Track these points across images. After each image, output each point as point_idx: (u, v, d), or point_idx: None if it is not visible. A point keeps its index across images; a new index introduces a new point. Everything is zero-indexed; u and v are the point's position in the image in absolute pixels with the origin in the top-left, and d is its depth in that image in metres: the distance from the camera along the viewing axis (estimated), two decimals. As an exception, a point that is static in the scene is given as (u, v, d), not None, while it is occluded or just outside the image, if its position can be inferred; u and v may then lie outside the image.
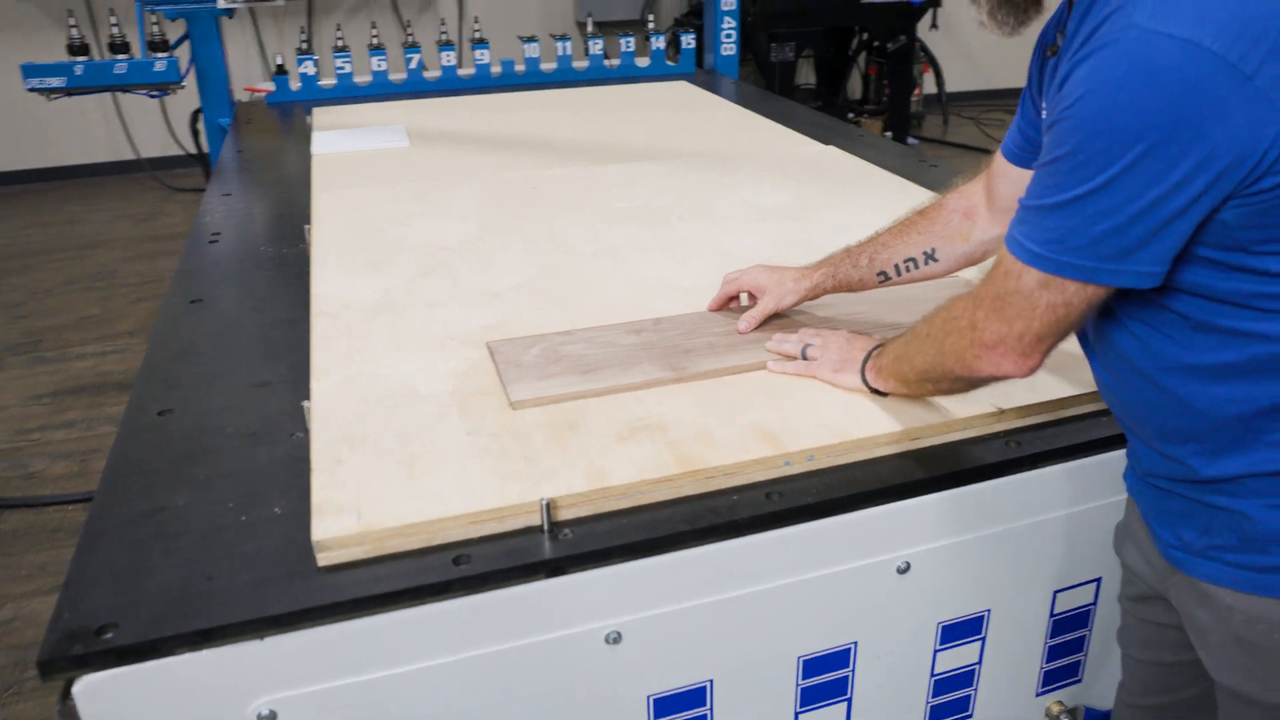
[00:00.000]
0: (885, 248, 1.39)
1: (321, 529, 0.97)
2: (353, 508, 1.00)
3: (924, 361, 1.10)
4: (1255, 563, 0.92)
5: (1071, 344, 1.02)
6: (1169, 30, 0.77)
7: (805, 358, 1.29)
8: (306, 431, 1.17)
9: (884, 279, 1.38)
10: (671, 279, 1.61)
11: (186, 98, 3.53)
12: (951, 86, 6.96)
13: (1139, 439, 1.01)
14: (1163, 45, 0.77)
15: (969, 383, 1.07)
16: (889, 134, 5.95)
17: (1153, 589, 1.09)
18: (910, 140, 6.07)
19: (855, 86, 6.60)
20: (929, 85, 6.73)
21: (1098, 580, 1.29)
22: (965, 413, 1.19)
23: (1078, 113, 0.82)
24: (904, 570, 1.13)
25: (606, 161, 2.33)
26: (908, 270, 1.38)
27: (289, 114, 3.08)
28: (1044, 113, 1.05)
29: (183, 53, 3.04)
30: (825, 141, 2.49)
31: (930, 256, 1.36)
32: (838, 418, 1.17)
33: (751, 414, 1.18)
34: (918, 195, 2.03)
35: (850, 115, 6.20)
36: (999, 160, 1.28)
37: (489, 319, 1.46)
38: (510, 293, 1.57)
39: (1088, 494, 1.22)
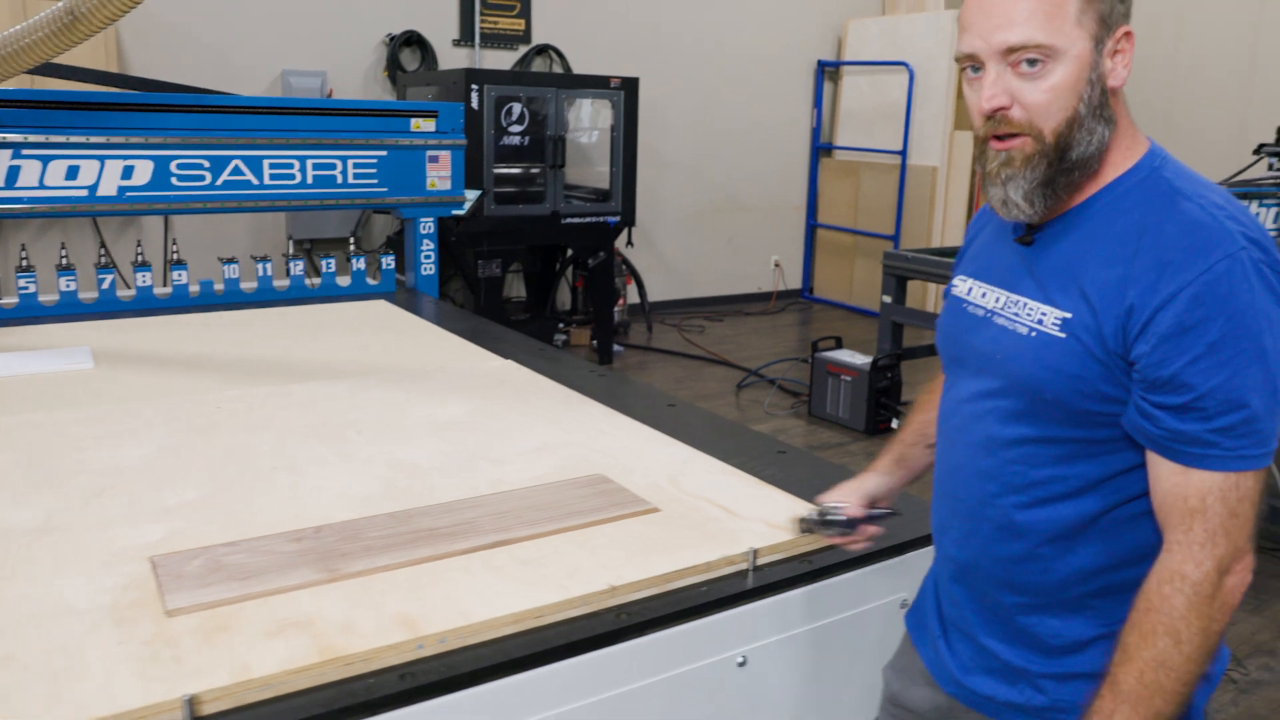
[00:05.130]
0: (906, 451, 1.55)
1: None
2: (-9, 723, 1.05)
3: (1185, 649, 1.09)
4: None
5: (681, 525, 1.24)
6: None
7: None
8: (-49, 656, 1.20)
9: (905, 477, 1.57)
10: (345, 489, 1.75)
11: None
12: (653, 296, 7.64)
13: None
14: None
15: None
16: (595, 341, 6.43)
17: None
18: (616, 347, 6.57)
19: (565, 297, 7.10)
20: (633, 295, 7.35)
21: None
22: (582, 591, 1.39)
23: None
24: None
25: (296, 380, 2.47)
26: (917, 460, 1.55)
27: (-33, 337, 3.01)
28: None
29: None
30: (508, 355, 2.76)
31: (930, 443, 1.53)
32: (472, 602, 1.34)
33: (395, 604, 1.33)
34: (583, 404, 2.30)
35: (560, 325, 6.65)
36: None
37: (158, 535, 1.54)
38: (183, 509, 1.65)
39: (693, 657, 1.43)
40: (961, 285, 1.36)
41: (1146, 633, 1.10)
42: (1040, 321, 1.18)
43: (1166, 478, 1.10)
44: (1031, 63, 1.12)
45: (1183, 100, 7.36)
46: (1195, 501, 1.08)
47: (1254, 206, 3.52)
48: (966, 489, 1.29)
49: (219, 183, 3.37)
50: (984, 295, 1.30)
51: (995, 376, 1.24)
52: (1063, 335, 1.15)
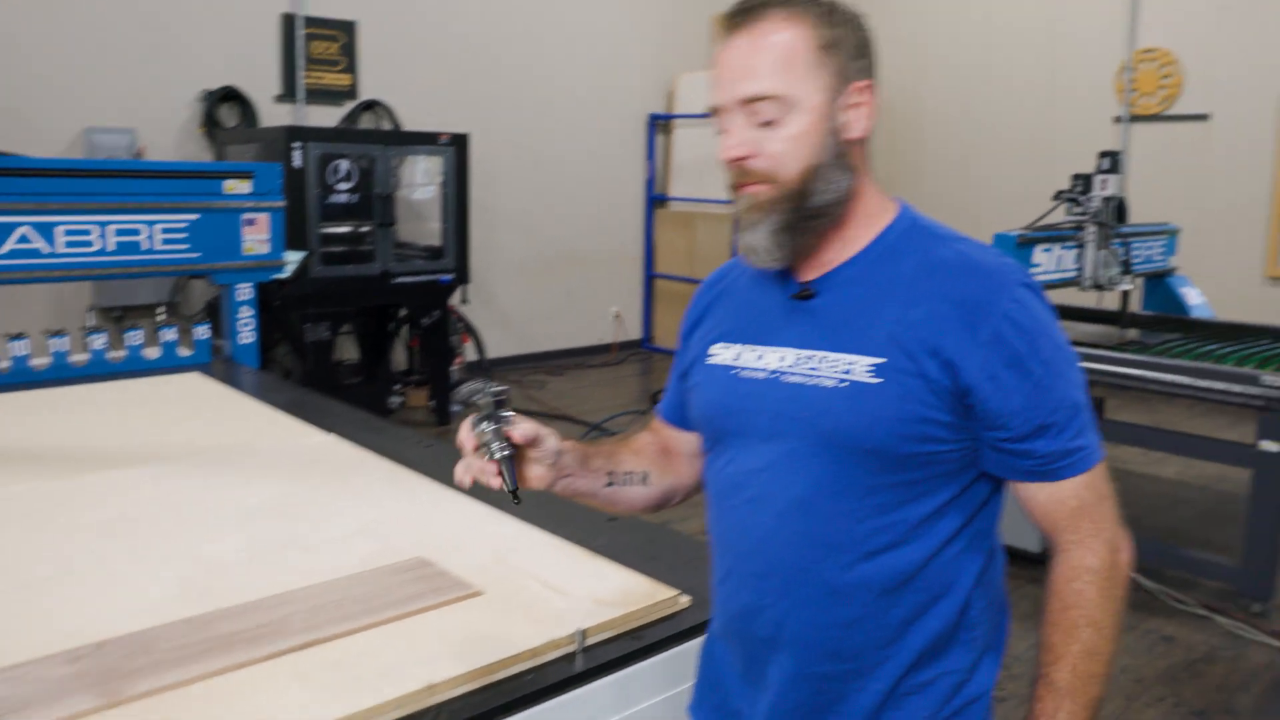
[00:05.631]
0: (610, 456, 1.40)
1: None
2: None
3: (1106, 632, 1.17)
4: None
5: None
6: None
7: None
8: None
9: (610, 481, 1.39)
10: (136, 595, 1.60)
11: None
12: (493, 352, 7.52)
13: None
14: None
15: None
16: (433, 401, 6.26)
17: None
18: (454, 407, 6.42)
19: (401, 358, 6.92)
20: (471, 353, 7.22)
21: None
22: (397, 692, 1.29)
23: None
24: None
25: (89, 470, 2.27)
26: (627, 482, 1.42)
27: None
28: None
29: None
30: (331, 428, 2.62)
31: (645, 479, 1.43)
32: (275, 715, 1.23)
33: (184, 729, 1.20)
34: (408, 479, 2.20)
35: (396, 386, 6.46)
36: (661, 424, 1.47)
37: (-93, 665, 1.36)
38: (-60, 631, 1.47)
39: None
40: (724, 353, 1.32)
41: (1069, 629, 1.17)
42: (849, 371, 1.18)
43: (1042, 495, 1.19)
44: (769, 114, 1.17)
45: (981, 153, 7.86)
46: (1074, 503, 1.17)
47: (1056, 250, 3.75)
48: (780, 561, 1.24)
49: (2, 252, 3.11)
50: (760, 357, 1.27)
51: (798, 436, 1.21)
52: (879, 381, 1.16)
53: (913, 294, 1.18)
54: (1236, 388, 3.21)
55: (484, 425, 1.25)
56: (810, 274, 1.26)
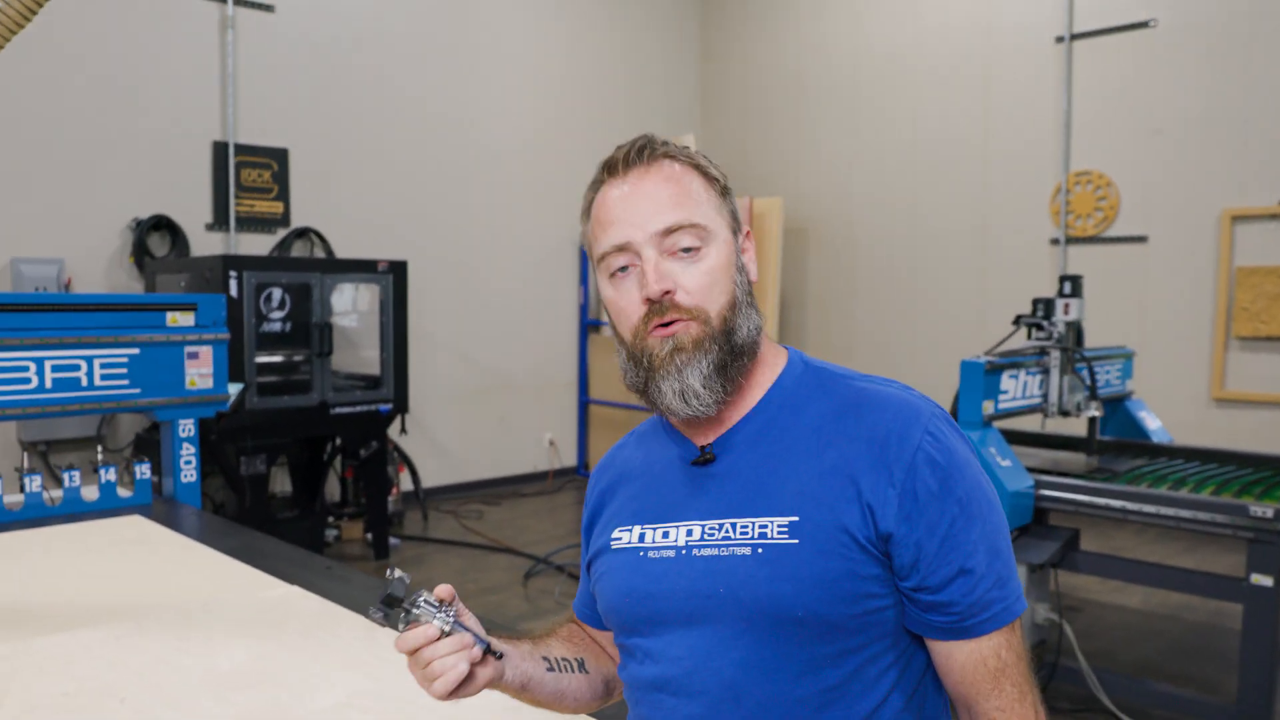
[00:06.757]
0: (540, 643, 1.28)
1: None
2: None
3: None
4: None
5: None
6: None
7: None
8: None
9: (550, 666, 1.25)
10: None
11: None
12: (428, 482, 7.35)
13: None
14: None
15: None
16: (369, 534, 6.06)
17: None
18: (393, 540, 6.22)
19: (335, 489, 6.70)
20: (406, 483, 7.04)
21: None
22: None
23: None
24: None
25: (37, 632, 2.10)
26: (565, 668, 1.27)
27: None
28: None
29: None
30: (290, 577, 2.49)
31: (582, 665, 1.30)
32: None
33: None
34: (387, 639, 2.08)
35: (330, 519, 6.25)
36: (579, 625, 1.37)
37: None
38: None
39: None
40: (628, 536, 1.20)
41: None
42: (763, 535, 1.08)
43: (960, 654, 1.07)
44: (688, 249, 1.12)
45: (916, 277, 8.00)
46: (994, 662, 1.06)
47: (1022, 375, 3.74)
48: None
49: (-67, 395, 2.94)
50: (667, 535, 1.15)
51: (719, 616, 1.09)
52: (795, 541, 1.06)
53: (820, 441, 1.10)
54: (1223, 518, 3.14)
55: (413, 612, 1.10)
56: (706, 436, 1.18)
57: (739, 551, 1.08)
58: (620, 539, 1.20)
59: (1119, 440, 4.37)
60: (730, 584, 1.08)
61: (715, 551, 1.10)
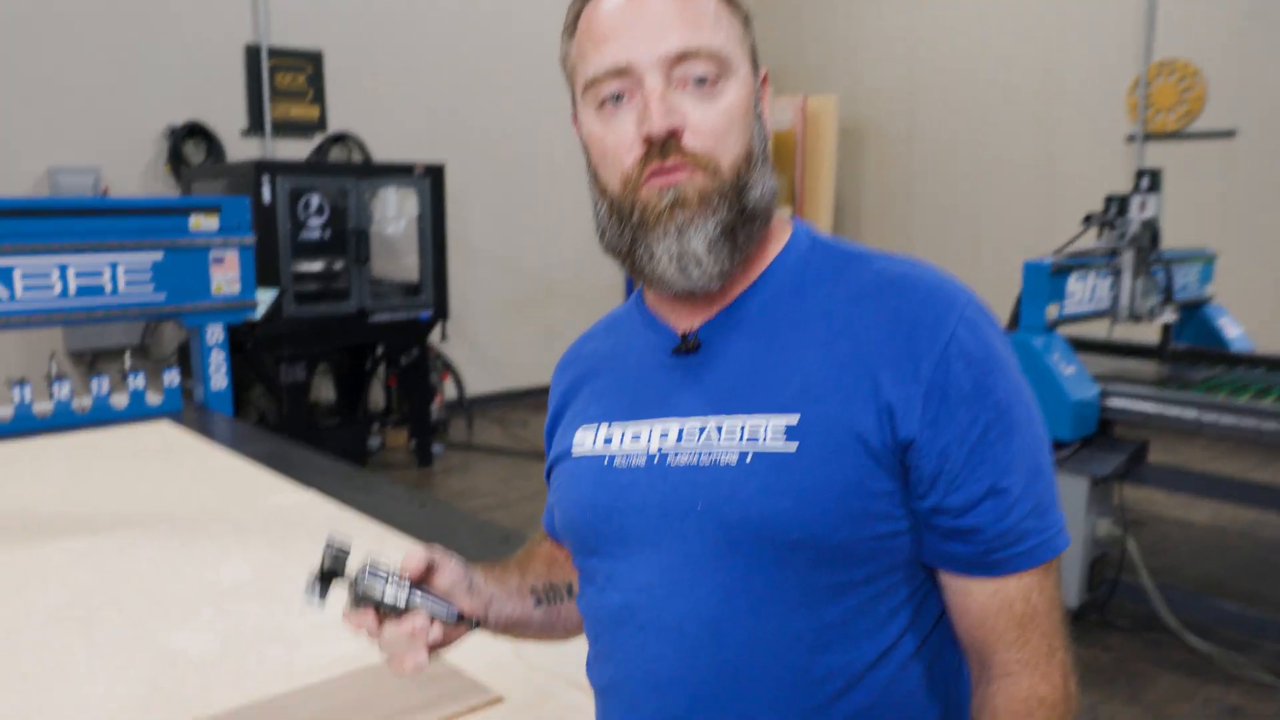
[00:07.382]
0: (521, 571, 1.09)
1: None
2: None
3: None
4: None
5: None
6: None
7: None
8: None
9: (537, 600, 1.08)
10: (93, 702, 1.37)
11: None
12: (473, 390, 7.29)
13: None
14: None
15: None
16: (413, 442, 6.03)
17: None
18: (436, 447, 6.19)
19: (379, 397, 6.68)
20: (450, 391, 6.99)
21: None
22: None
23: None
24: None
25: (43, 540, 2.03)
26: (555, 598, 1.09)
27: None
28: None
29: None
30: (312, 483, 2.40)
31: (571, 590, 1.10)
32: None
33: None
34: (400, 550, 1.98)
35: (375, 426, 6.22)
36: (548, 539, 1.14)
37: None
38: None
39: None
40: (590, 437, 1.00)
41: None
42: (755, 440, 0.88)
43: (983, 593, 0.88)
44: (701, 80, 0.90)
45: (979, 177, 7.66)
46: (1022, 606, 0.87)
47: (1091, 277, 3.51)
48: (699, 713, 0.90)
49: (-48, 300, 2.87)
50: (637, 437, 0.95)
51: (696, 536, 0.90)
52: (793, 447, 0.87)
53: (830, 329, 0.90)
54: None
55: (368, 586, 0.94)
56: (692, 320, 0.98)
57: (724, 459, 0.89)
58: (582, 443, 1.00)
59: (1194, 348, 4.07)
60: (711, 499, 0.89)
61: (694, 459, 0.91)
